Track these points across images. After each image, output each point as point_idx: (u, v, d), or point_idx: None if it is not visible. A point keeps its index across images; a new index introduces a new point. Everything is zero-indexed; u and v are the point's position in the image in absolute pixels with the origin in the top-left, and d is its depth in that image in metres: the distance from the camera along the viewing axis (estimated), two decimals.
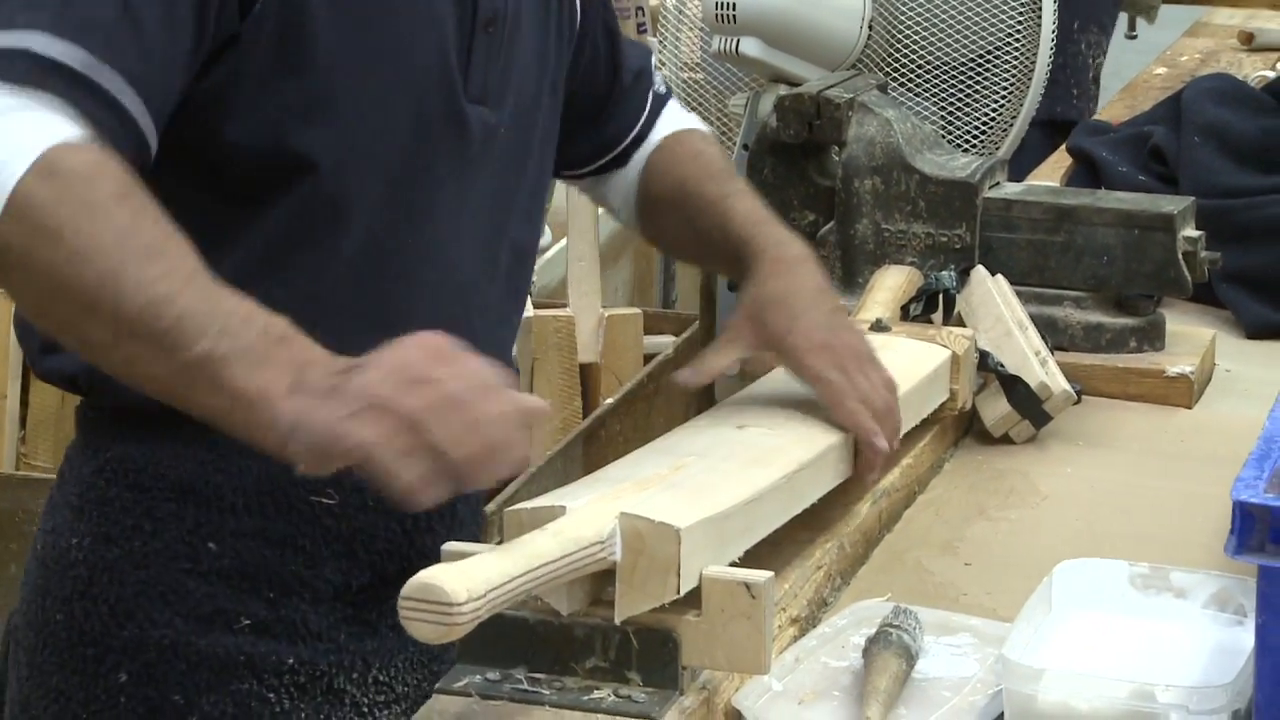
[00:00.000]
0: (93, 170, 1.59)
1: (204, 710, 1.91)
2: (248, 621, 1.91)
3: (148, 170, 1.68)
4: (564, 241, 3.04)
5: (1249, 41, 3.49)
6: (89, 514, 1.94)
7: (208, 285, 1.59)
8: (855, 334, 2.01)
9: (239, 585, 1.90)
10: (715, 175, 2.19)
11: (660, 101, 2.30)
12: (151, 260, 1.57)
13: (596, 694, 1.56)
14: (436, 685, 1.62)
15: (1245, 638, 1.47)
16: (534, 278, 3.03)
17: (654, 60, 2.25)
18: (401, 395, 1.52)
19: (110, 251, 1.56)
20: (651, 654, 1.56)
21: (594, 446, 2.68)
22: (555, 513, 1.59)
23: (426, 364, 1.57)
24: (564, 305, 2.90)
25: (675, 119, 2.32)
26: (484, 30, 1.89)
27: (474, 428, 1.52)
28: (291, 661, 1.93)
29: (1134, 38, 4.04)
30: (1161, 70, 3.47)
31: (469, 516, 2.12)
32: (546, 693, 1.56)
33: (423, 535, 1.98)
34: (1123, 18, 4.25)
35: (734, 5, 2.37)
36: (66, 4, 1.66)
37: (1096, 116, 2.94)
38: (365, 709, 2.00)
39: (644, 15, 3.93)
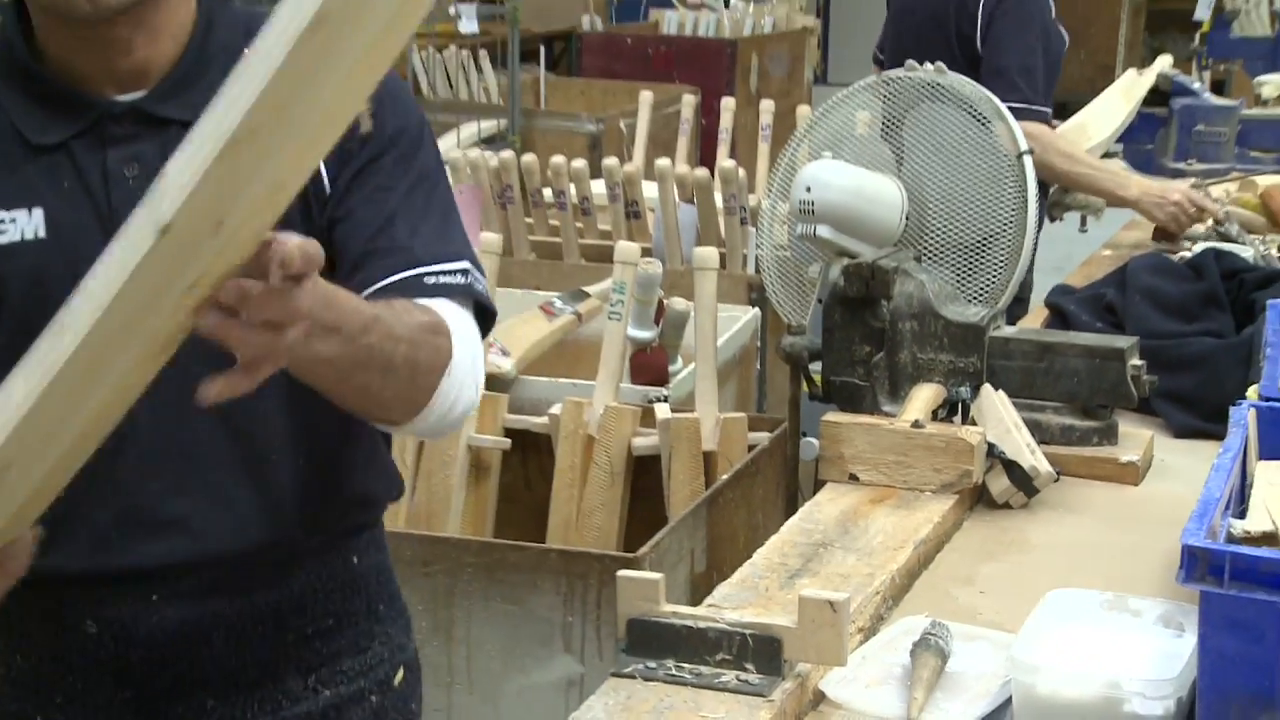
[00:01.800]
0: None
1: None
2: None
3: None
4: (692, 365, 3.03)
5: (1162, 239, 3.49)
6: None
7: None
8: None
9: (35, 692, 1.61)
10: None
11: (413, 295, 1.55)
12: None
13: (723, 678, 1.55)
14: (611, 671, 1.60)
15: (1184, 645, 1.46)
16: (669, 390, 3.03)
17: (449, 276, 1.58)
18: None
19: None
20: (762, 651, 1.55)
21: (714, 510, 2.69)
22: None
23: None
24: (692, 411, 2.89)
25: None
26: None
27: None
28: None
29: (1085, 231, 3.99)
30: (1108, 251, 3.51)
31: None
32: (688, 676, 1.56)
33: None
34: (1077, 216, 4.20)
35: (812, 203, 2.38)
36: None
37: (1063, 282, 2.91)
38: None
39: (745, 212, 3.93)
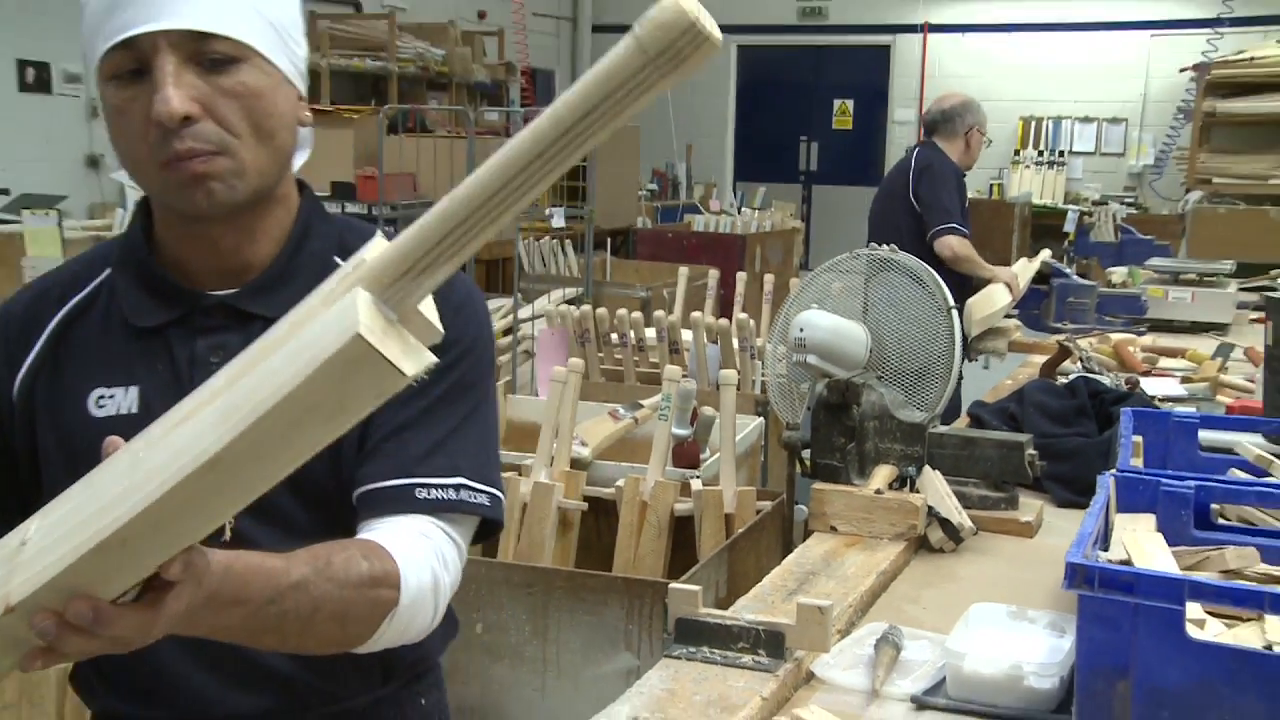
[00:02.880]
0: None
1: None
2: None
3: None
4: (717, 454, 3.04)
5: (1050, 371, 3.50)
6: None
7: None
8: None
9: None
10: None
11: (400, 507, 1.23)
12: None
13: (743, 660, 1.56)
14: (663, 654, 1.59)
15: (1066, 642, 1.48)
16: (700, 471, 3.06)
17: (444, 491, 1.24)
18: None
19: None
20: (771, 641, 1.56)
21: (732, 555, 2.68)
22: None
23: None
24: (717, 485, 2.90)
25: (389, 532, 1.20)
26: None
27: None
28: None
29: (987, 368, 4.07)
30: (1009, 381, 3.49)
31: None
32: (718, 658, 1.56)
33: None
34: (984, 359, 4.26)
35: (804, 340, 2.39)
36: None
37: (979, 399, 2.94)
38: None
39: (753, 350, 3.97)
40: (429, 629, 1.24)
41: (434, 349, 1.06)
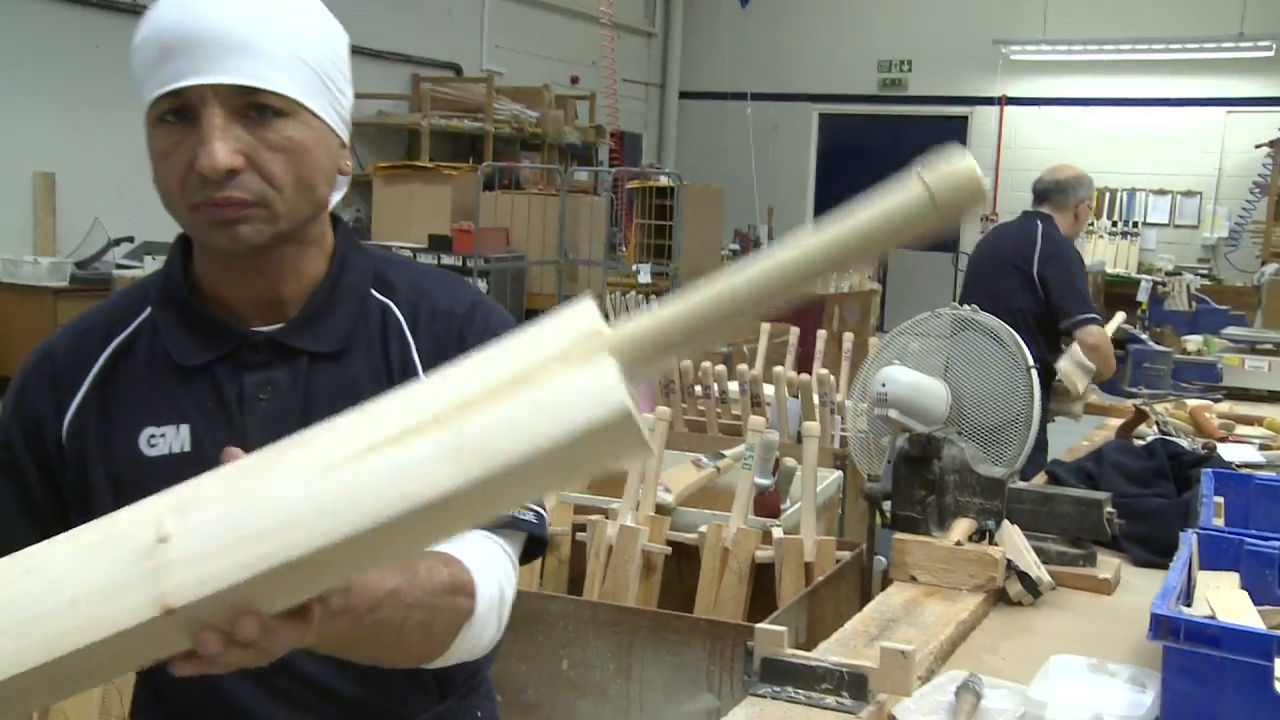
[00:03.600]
0: None
1: None
2: None
3: None
4: (798, 504, 3.03)
5: (1126, 433, 3.45)
6: None
7: None
8: None
9: None
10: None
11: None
12: None
13: (826, 701, 1.55)
14: (748, 689, 1.58)
15: (1147, 696, 1.45)
16: (781, 521, 3.05)
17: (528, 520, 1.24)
18: None
19: None
20: (854, 684, 1.55)
21: (812, 602, 2.65)
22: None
23: None
24: (797, 534, 2.88)
25: (462, 547, 1.16)
26: None
27: None
28: None
29: (1054, 421, 4.03)
30: (1085, 442, 3.44)
31: None
32: (802, 698, 1.56)
33: None
34: (1061, 420, 4.21)
35: (886, 395, 2.39)
36: None
37: (1057, 458, 2.90)
38: None
39: (833, 405, 3.95)
40: (493, 643, 1.20)
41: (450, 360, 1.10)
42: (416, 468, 0.73)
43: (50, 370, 1.23)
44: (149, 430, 1.19)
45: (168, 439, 1.19)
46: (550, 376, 0.74)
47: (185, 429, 1.19)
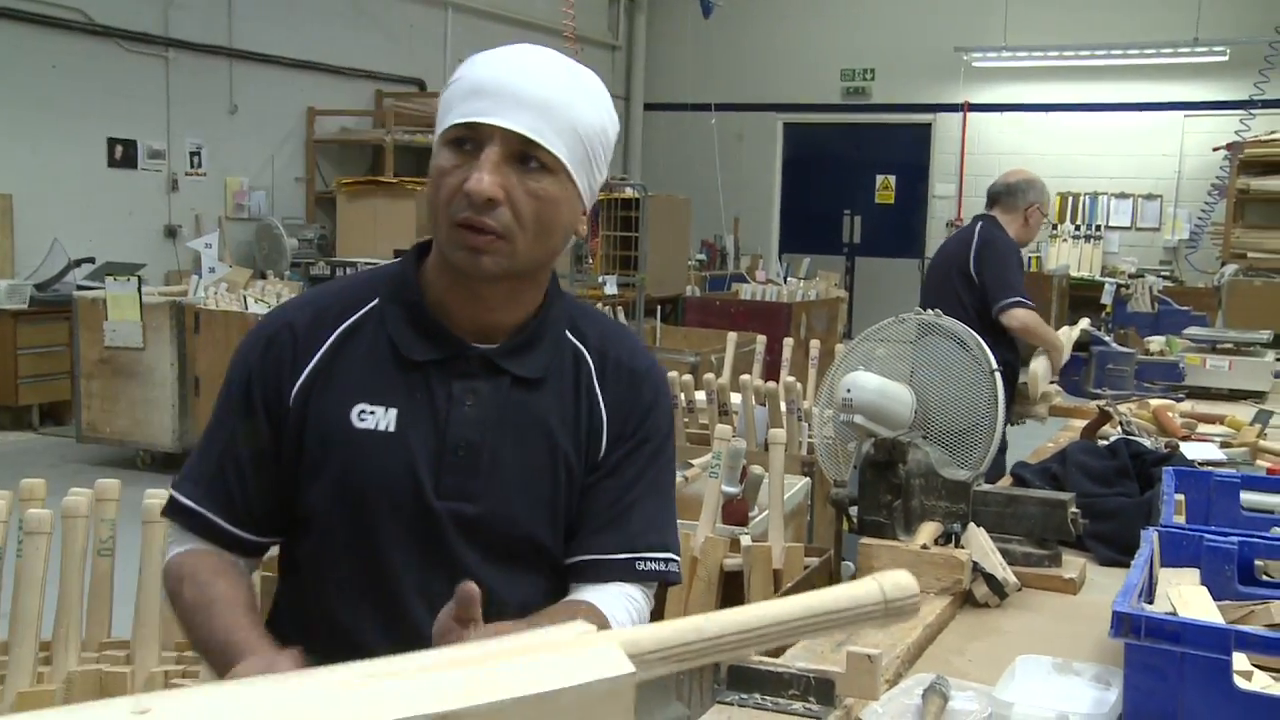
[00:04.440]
0: (189, 566, 1.40)
1: None
2: None
3: (251, 548, 1.45)
4: (766, 512, 3.02)
5: (1091, 434, 3.46)
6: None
7: (222, 621, 1.31)
8: None
9: None
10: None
11: (621, 576, 1.44)
12: (204, 614, 1.33)
13: (794, 707, 1.54)
14: (716, 698, 1.57)
15: (1112, 693, 1.44)
16: (749, 529, 3.05)
17: (657, 563, 1.46)
18: None
19: (193, 611, 1.34)
20: (821, 689, 1.54)
21: None
22: None
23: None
24: (765, 542, 2.87)
25: (610, 599, 1.43)
26: (452, 453, 1.37)
27: None
28: None
29: (1022, 424, 4.05)
30: (1050, 444, 3.44)
31: None
32: (769, 705, 1.55)
33: None
34: (1027, 422, 4.22)
35: (851, 400, 2.39)
36: (189, 468, 1.45)
37: (1022, 459, 2.91)
38: None
39: (800, 412, 3.96)
40: None
41: (640, 420, 1.45)
42: (415, 692, 0.76)
43: (291, 337, 1.41)
44: (361, 405, 1.37)
45: (376, 416, 1.37)
46: (563, 655, 0.83)
47: (393, 412, 1.37)
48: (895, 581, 0.93)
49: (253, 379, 1.42)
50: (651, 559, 1.44)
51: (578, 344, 1.46)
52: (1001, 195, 4.41)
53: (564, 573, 1.46)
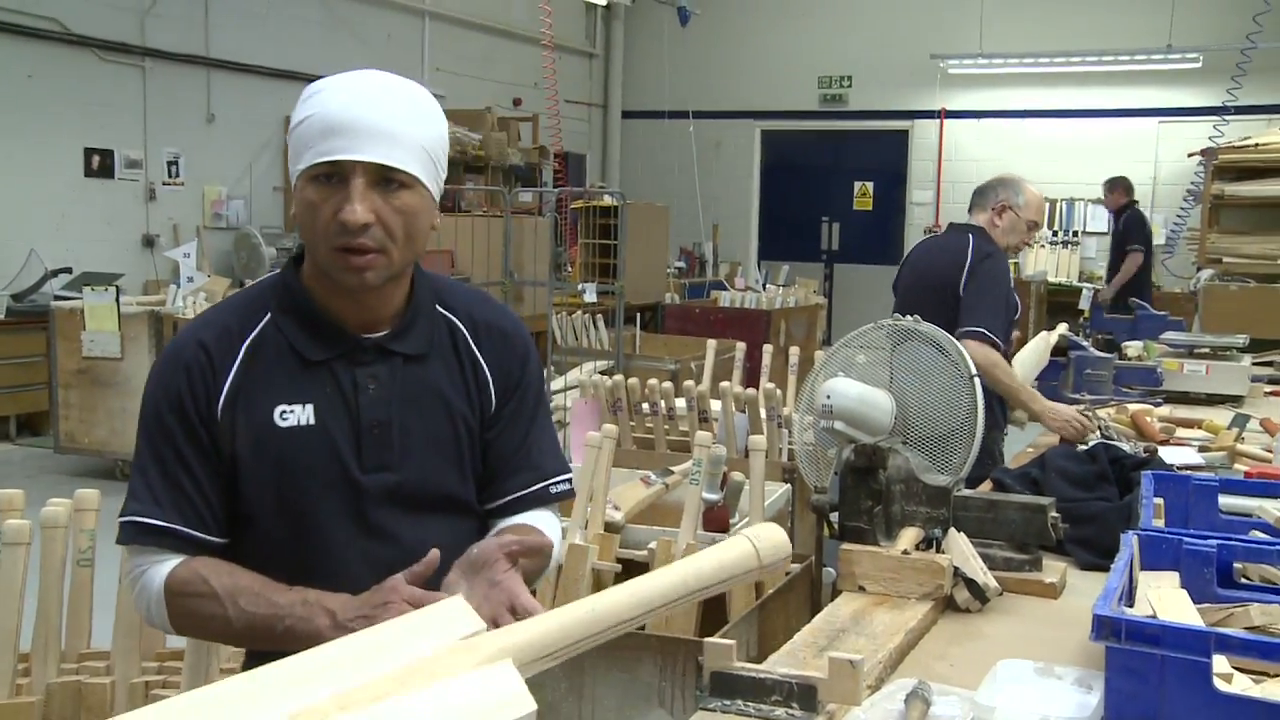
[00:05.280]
0: (194, 573, 1.52)
1: None
2: None
3: (219, 552, 1.56)
4: (746, 518, 3.01)
5: (1066, 441, 3.47)
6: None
7: (274, 593, 1.48)
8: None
9: None
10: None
11: (539, 503, 1.70)
12: (248, 597, 1.48)
13: (776, 713, 1.54)
14: (699, 704, 1.57)
15: (1093, 697, 1.45)
16: (731, 534, 3.03)
17: (563, 484, 1.73)
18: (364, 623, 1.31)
19: (235, 595, 1.49)
20: (804, 695, 1.54)
21: (762, 615, 2.65)
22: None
23: (374, 605, 1.38)
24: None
25: (538, 521, 1.69)
26: (368, 433, 1.56)
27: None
28: None
29: (1006, 434, 3.99)
30: (1030, 449, 3.46)
31: None
32: (752, 712, 1.55)
33: None
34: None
35: (831, 407, 2.39)
36: (140, 494, 1.57)
37: (1001, 465, 2.91)
38: None
39: (780, 418, 3.96)
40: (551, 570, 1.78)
41: (520, 371, 1.68)
42: None
43: (205, 356, 1.56)
44: (281, 406, 1.54)
45: (296, 414, 1.55)
46: (452, 672, 0.95)
47: (310, 407, 1.55)
48: (772, 543, 1.05)
49: (183, 398, 1.56)
50: (557, 483, 1.70)
51: (449, 315, 1.66)
52: (975, 198, 4.27)
53: (481, 515, 1.69)
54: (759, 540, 1.03)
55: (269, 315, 1.60)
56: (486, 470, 1.67)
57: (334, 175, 1.48)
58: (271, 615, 1.47)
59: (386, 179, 1.49)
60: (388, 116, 1.49)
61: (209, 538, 1.56)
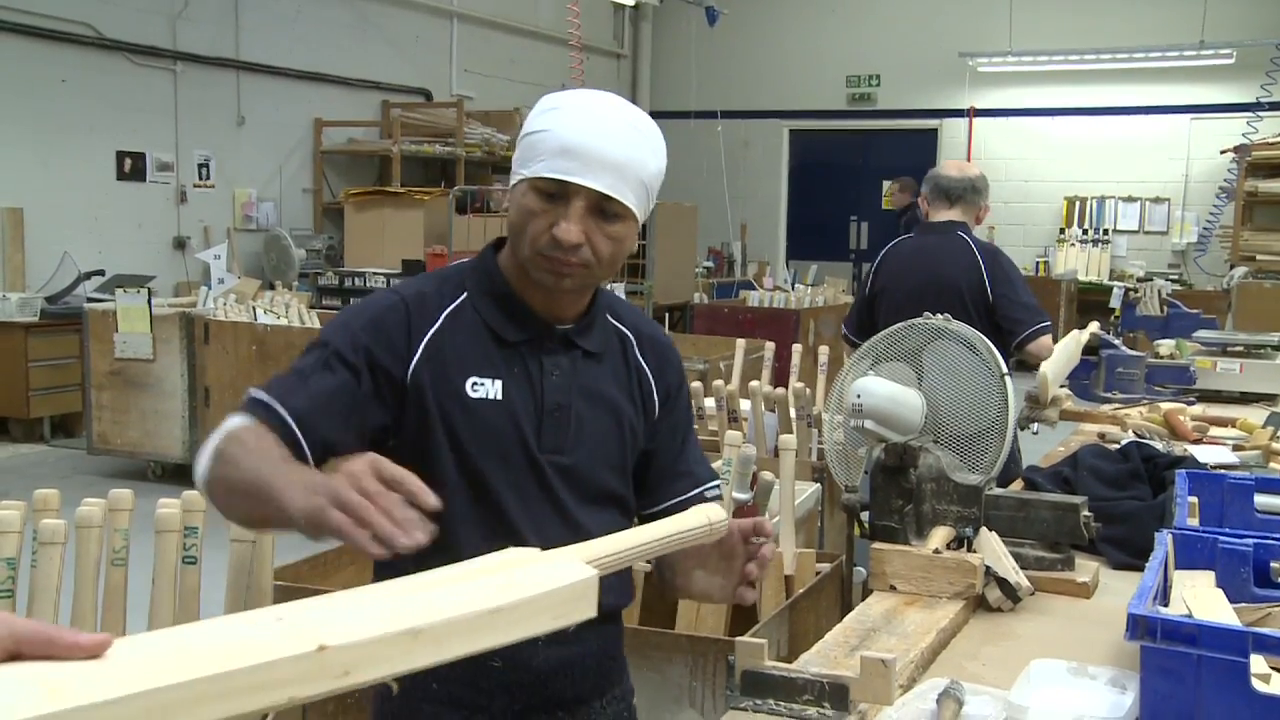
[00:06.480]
0: (243, 430, 1.47)
1: None
2: None
3: (298, 444, 1.51)
4: (777, 517, 3.02)
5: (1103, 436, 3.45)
6: None
7: (282, 464, 1.42)
8: None
9: (449, 705, 1.64)
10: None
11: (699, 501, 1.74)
12: (259, 458, 1.41)
13: (808, 713, 1.55)
14: (730, 704, 1.58)
15: (1127, 697, 1.45)
16: None
17: (715, 489, 1.79)
18: (346, 491, 1.20)
19: (245, 463, 1.42)
20: (835, 694, 1.54)
21: (793, 614, 2.64)
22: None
23: (363, 476, 1.25)
24: (778, 548, 2.87)
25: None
26: (549, 415, 1.63)
27: (383, 511, 1.19)
28: None
29: (1036, 434, 3.90)
30: (1061, 448, 3.43)
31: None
32: (783, 711, 1.56)
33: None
34: (1035, 426, 4.16)
35: (862, 406, 2.39)
36: (272, 380, 1.58)
37: (1033, 463, 2.89)
38: None
39: (810, 418, 3.95)
40: None
41: (677, 384, 1.79)
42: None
43: (405, 314, 1.62)
44: (473, 378, 1.62)
45: (485, 387, 1.62)
46: (536, 569, 1.14)
47: (499, 383, 1.63)
48: (717, 514, 1.40)
49: (390, 330, 1.61)
50: (711, 488, 1.78)
51: (619, 325, 1.76)
52: (956, 193, 4.12)
53: (633, 514, 1.76)
54: (711, 512, 1.37)
55: (466, 294, 1.67)
56: (646, 478, 1.76)
57: (557, 193, 1.55)
58: (251, 472, 1.41)
59: (603, 208, 1.56)
60: (617, 147, 1.56)
61: (300, 436, 1.52)
